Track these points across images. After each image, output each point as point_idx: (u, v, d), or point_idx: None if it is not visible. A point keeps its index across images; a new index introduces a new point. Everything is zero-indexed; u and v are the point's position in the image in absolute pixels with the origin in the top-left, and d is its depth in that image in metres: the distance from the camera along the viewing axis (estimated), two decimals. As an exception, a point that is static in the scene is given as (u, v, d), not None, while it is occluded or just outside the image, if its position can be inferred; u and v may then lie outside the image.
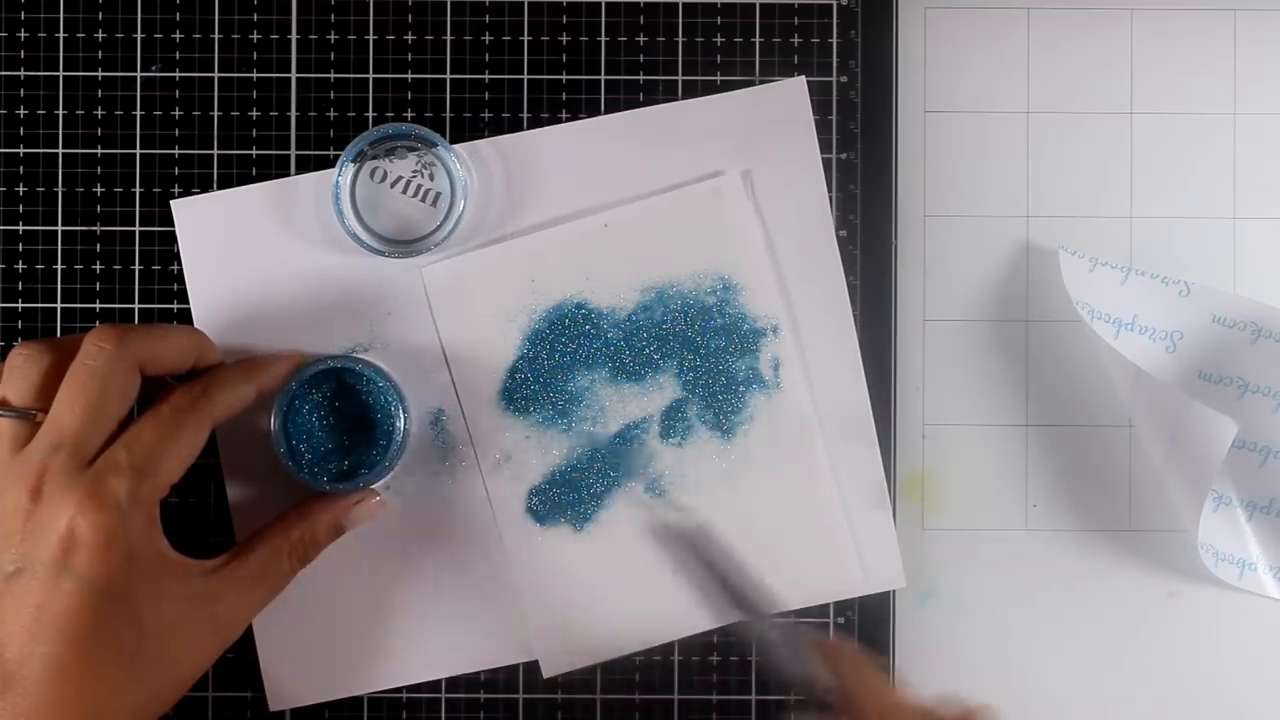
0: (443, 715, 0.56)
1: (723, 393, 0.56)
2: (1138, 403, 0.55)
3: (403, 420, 0.53)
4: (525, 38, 0.56)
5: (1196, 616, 0.56)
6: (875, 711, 0.50)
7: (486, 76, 0.56)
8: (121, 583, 0.46)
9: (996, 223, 0.57)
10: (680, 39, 0.56)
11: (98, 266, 0.56)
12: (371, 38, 0.56)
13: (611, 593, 0.56)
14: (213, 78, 0.56)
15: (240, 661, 0.56)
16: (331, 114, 0.56)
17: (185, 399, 0.49)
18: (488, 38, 0.56)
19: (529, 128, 0.56)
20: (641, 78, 0.56)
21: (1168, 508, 0.56)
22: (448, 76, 0.56)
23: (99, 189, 0.56)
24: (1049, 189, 0.57)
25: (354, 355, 0.55)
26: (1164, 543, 0.56)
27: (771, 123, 0.56)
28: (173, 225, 0.56)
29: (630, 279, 0.56)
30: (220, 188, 0.56)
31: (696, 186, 0.56)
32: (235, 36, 0.56)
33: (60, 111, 0.56)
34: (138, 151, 0.56)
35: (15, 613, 0.45)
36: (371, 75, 0.56)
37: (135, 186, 0.56)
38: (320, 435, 0.54)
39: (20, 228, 0.56)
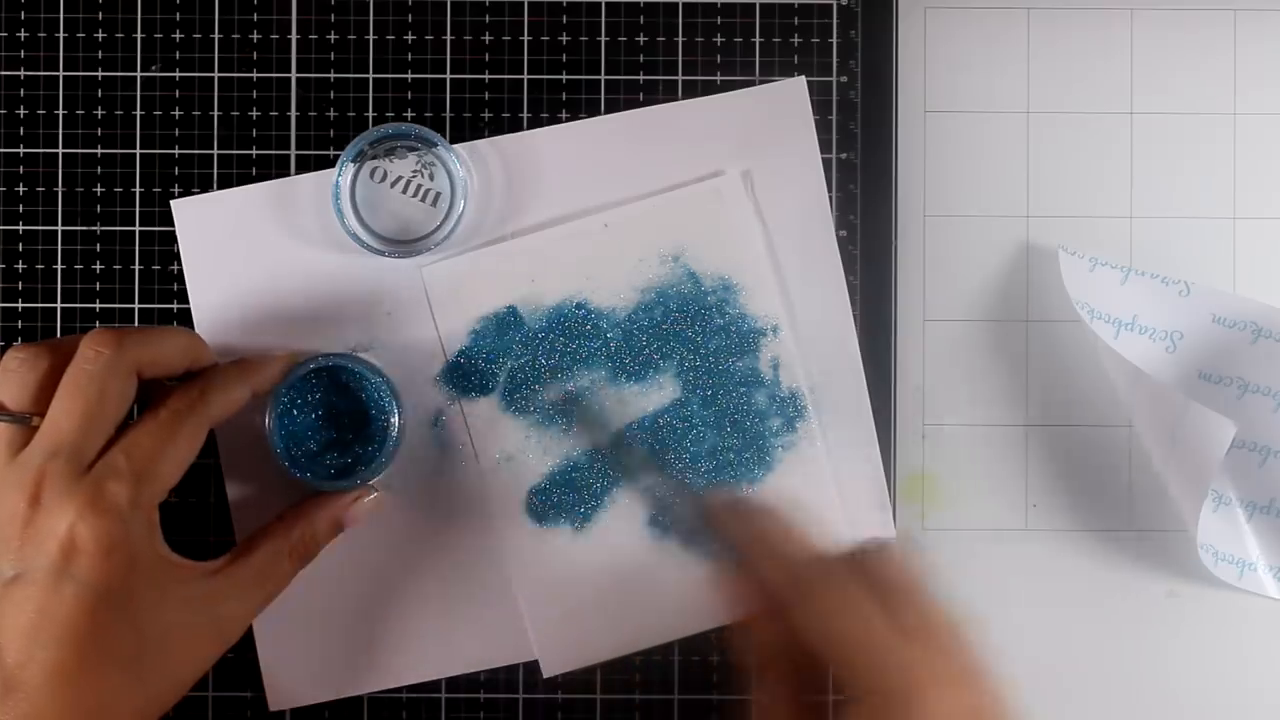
0: (443, 715, 0.56)
1: (722, 393, 0.56)
2: (1137, 403, 0.55)
3: (397, 417, 0.53)
4: (525, 38, 0.56)
5: (1196, 616, 0.56)
6: (778, 572, 0.45)
7: (486, 76, 0.56)
8: (122, 588, 0.46)
9: (996, 223, 0.57)
10: (680, 39, 0.56)
11: (98, 266, 0.56)
12: (371, 38, 0.56)
13: (611, 593, 0.56)
14: (213, 78, 0.56)
15: (240, 661, 0.56)
16: (331, 114, 0.56)
17: (182, 402, 0.49)
18: (488, 38, 0.56)
19: (529, 128, 0.56)
20: (641, 78, 0.56)
21: (1168, 508, 0.56)
22: (448, 76, 0.56)
23: (99, 189, 0.56)
24: (1049, 189, 0.57)
25: (347, 353, 0.55)
26: (1164, 543, 0.56)
27: (771, 123, 0.56)
28: (173, 225, 0.56)
29: (630, 279, 0.56)
30: (220, 188, 0.56)
31: (696, 186, 0.56)
32: (235, 36, 0.56)
33: (60, 111, 0.56)
34: (138, 151, 0.56)
35: (15, 618, 0.45)
36: (371, 75, 0.56)
37: (135, 186, 0.56)
38: (316, 434, 0.54)
39: (20, 228, 0.56)
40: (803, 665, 0.45)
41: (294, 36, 0.56)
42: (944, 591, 0.45)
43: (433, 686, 0.56)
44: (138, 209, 0.56)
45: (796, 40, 0.56)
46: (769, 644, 0.46)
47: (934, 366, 0.57)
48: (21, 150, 0.56)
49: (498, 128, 0.56)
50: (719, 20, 0.56)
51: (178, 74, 0.56)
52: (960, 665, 0.43)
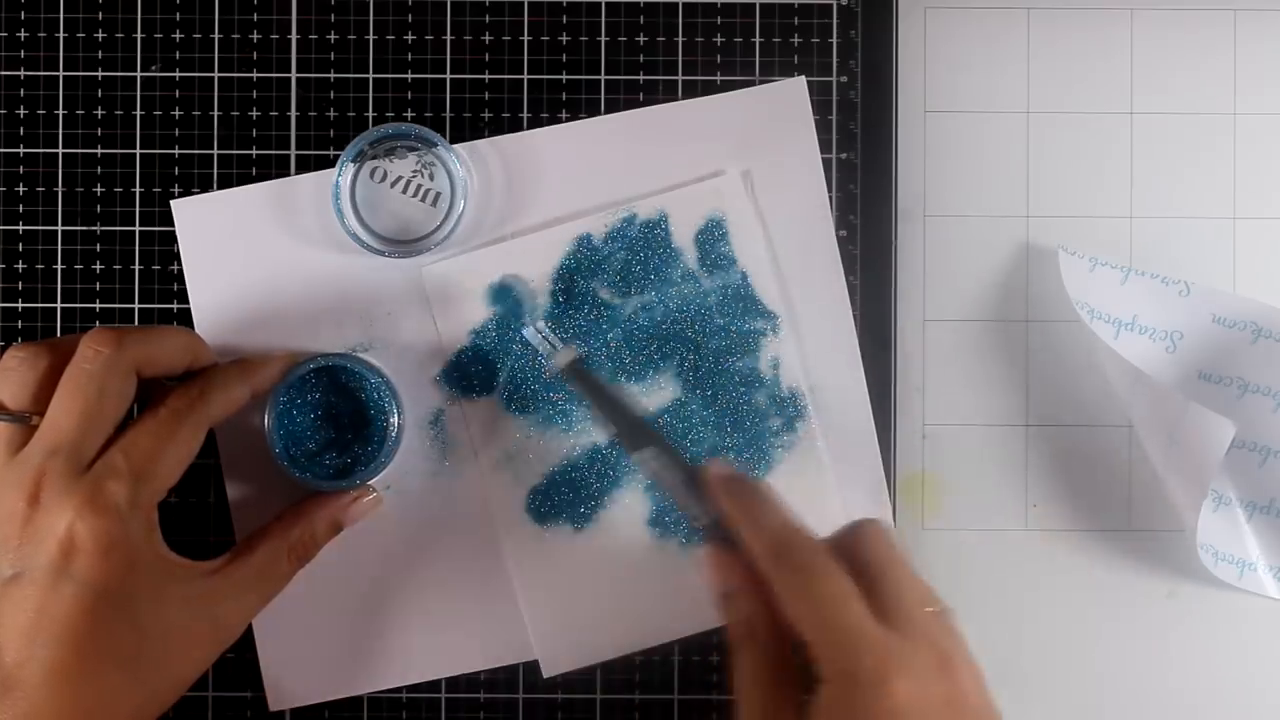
0: (443, 715, 0.56)
1: (722, 393, 0.56)
2: (1137, 403, 0.55)
3: (396, 416, 0.53)
4: (525, 38, 0.56)
5: (1196, 616, 0.56)
6: (763, 544, 0.44)
7: (486, 76, 0.56)
8: (121, 587, 0.46)
9: (996, 223, 0.57)
10: (680, 39, 0.56)
11: (98, 266, 0.56)
12: (371, 38, 0.56)
13: (611, 593, 0.56)
14: (213, 78, 0.56)
15: (240, 661, 0.56)
16: (331, 114, 0.56)
17: (182, 401, 0.49)
18: (488, 38, 0.56)
19: (529, 128, 0.56)
20: (641, 78, 0.56)
21: (1168, 508, 0.56)
22: (448, 76, 0.56)
23: (99, 189, 0.56)
24: (1049, 189, 0.57)
25: (346, 353, 0.55)
26: (1164, 543, 0.56)
27: (771, 123, 0.56)
28: (173, 225, 0.56)
29: (631, 278, 0.56)
30: (220, 188, 0.56)
31: (696, 186, 0.56)
32: (235, 36, 0.56)
33: (60, 111, 0.56)
34: (138, 151, 0.56)
35: (14, 616, 0.45)
36: (371, 75, 0.56)
37: (135, 186, 0.56)
38: (315, 433, 0.54)
39: (20, 228, 0.56)
40: (780, 639, 0.44)
41: (294, 36, 0.56)
42: (926, 574, 0.45)
43: (433, 686, 0.56)
44: (138, 209, 0.56)
45: (796, 40, 0.56)
46: (747, 617, 0.45)
47: (934, 366, 0.57)
48: (21, 150, 0.56)
49: (498, 128, 0.56)
50: (719, 20, 0.56)
51: (178, 74, 0.56)
52: (936, 653, 0.42)
